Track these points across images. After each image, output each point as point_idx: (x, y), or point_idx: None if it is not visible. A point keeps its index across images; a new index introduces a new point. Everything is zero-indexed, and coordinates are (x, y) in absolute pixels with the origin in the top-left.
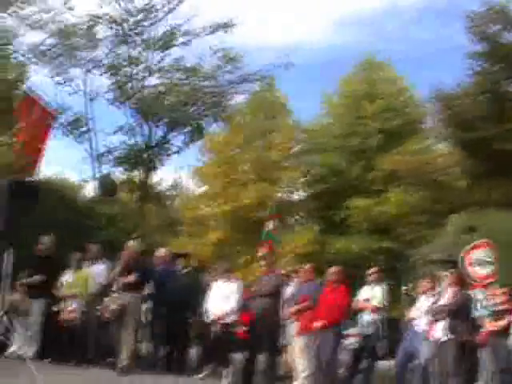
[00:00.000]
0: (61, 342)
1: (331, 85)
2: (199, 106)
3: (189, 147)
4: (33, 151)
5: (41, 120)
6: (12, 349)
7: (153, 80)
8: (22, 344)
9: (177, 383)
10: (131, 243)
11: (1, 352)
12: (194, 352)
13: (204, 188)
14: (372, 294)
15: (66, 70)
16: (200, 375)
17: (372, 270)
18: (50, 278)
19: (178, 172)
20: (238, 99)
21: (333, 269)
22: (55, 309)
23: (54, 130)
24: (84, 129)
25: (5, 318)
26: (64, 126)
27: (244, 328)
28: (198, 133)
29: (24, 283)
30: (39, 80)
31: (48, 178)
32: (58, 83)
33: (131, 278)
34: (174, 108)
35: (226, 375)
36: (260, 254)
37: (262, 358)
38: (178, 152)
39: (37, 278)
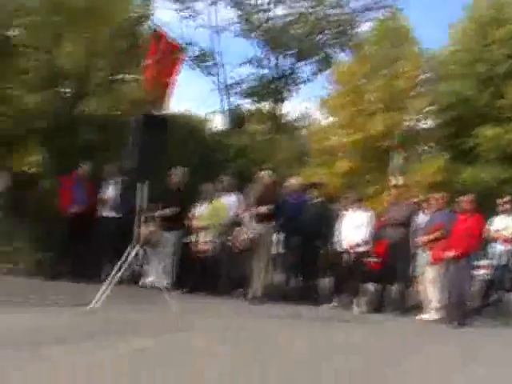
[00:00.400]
0: (194, 273)
1: (457, 11)
2: (326, 35)
3: (317, 77)
4: (162, 86)
5: (168, 54)
6: (147, 279)
7: (279, 10)
8: (156, 275)
9: (308, 313)
10: (262, 174)
11: (137, 282)
12: (325, 282)
13: (332, 118)
14: (505, 224)
15: (191, 4)
16: (331, 305)
17: (505, 199)
18: (183, 210)
19: (306, 102)
20: (365, 28)
21: (466, 197)
22: (188, 240)
23: (182, 63)
24: (211, 62)
25: (140, 250)
26: (191, 59)
27: (376, 258)
28: (325, 62)
29: (157, 216)
30: (165, 15)
31: (176, 111)
32: (184, 18)
33: (264, 208)
34: (300, 38)
35: (358, 305)
36: (390, 183)
37: (393, 289)
38: (305, 82)
39: (169, 210)
